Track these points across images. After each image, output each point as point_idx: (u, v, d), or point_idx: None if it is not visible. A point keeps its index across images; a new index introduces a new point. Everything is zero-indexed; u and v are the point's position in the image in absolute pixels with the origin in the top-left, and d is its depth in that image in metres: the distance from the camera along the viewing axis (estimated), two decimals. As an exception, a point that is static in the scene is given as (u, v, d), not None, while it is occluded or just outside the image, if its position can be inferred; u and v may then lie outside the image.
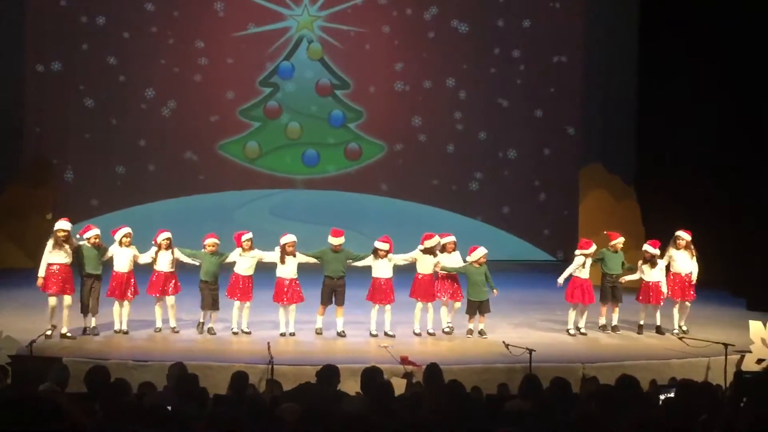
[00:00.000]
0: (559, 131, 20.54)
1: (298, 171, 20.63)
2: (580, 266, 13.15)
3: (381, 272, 12.76)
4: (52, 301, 12.15)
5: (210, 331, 12.70)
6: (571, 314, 13.23)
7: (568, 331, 13.20)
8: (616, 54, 19.18)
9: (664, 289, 13.29)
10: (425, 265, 12.92)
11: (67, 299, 12.23)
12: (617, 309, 13.44)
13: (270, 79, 20.41)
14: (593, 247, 13.21)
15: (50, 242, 12.24)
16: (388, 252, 12.71)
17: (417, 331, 12.92)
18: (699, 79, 16.97)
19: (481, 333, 12.83)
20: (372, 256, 12.79)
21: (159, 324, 12.75)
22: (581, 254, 13.14)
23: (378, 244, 12.77)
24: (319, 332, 12.80)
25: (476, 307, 12.83)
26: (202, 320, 12.77)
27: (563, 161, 20.25)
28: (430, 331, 13.00)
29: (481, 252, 12.84)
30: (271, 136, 20.50)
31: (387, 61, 20.48)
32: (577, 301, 13.14)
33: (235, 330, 12.69)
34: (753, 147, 16.24)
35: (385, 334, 12.72)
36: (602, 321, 13.45)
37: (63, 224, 12.38)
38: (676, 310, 13.34)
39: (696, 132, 17.15)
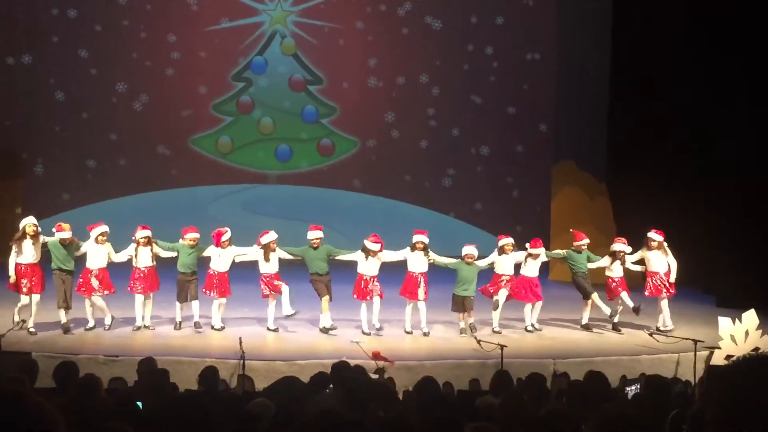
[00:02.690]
0: (532, 128, 20.59)
1: (270, 166, 20.57)
2: (522, 262, 13.29)
3: (369, 270, 12.72)
4: (25, 299, 12.05)
5: (196, 325, 12.65)
6: (527, 311, 13.32)
7: (525, 328, 13.29)
8: (589, 51, 19.26)
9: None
10: (416, 263, 12.89)
11: (36, 297, 12.11)
12: (587, 306, 13.51)
13: (243, 73, 20.33)
14: (540, 250, 13.36)
15: (17, 240, 12.12)
16: (378, 252, 12.68)
17: (408, 329, 12.89)
18: (672, 78, 17.09)
19: (472, 328, 12.73)
20: (363, 254, 12.72)
21: (139, 322, 12.62)
22: (529, 253, 13.29)
23: (370, 245, 12.66)
24: (333, 328, 12.60)
25: (461, 303, 12.85)
26: (179, 318, 12.71)
27: (536, 158, 20.31)
28: (425, 330, 12.91)
29: (468, 250, 12.97)
30: (244, 131, 20.42)
31: (360, 57, 20.45)
32: (524, 299, 13.28)
33: (216, 326, 12.65)
34: (723, 146, 16.39)
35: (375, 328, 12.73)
36: (606, 310, 13.38)
37: (32, 219, 12.27)
38: (665, 306, 13.36)
39: (668, 130, 17.26)
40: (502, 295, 13.01)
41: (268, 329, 12.71)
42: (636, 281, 14.55)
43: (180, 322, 12.73)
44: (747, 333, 11.98)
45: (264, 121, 20.47)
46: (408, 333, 12.83)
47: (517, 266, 13.32)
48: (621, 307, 13.37)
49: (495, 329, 13.00)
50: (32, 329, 12.04)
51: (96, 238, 12.39)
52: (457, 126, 20.68)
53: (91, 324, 12.45)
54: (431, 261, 12.82)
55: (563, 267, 14.40)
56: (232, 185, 20.43)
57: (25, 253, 12.07)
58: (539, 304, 13.33)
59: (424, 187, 20.64)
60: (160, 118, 19.97)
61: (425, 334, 12.78)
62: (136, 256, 12.54)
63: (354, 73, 20.50)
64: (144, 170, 19.97)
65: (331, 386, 8.15)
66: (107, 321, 12.47)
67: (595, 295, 13.33)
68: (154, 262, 12.64)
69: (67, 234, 12.26)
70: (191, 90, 20.09)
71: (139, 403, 6.22)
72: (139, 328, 12.54)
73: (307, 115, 20.50)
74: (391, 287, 12.97)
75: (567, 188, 18.70)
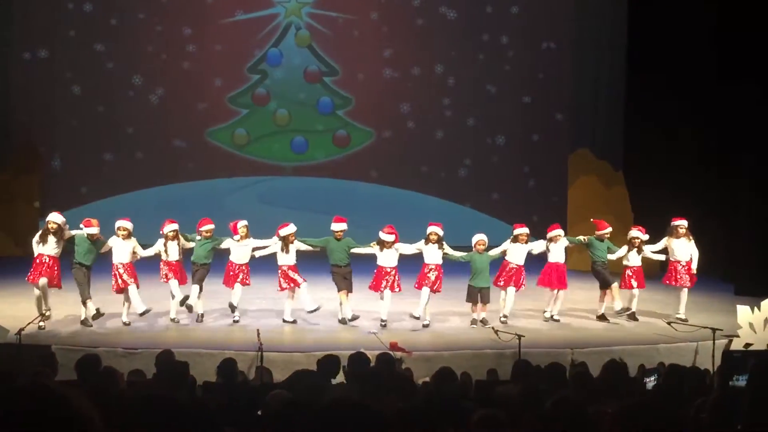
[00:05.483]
0: (548, 117, 20.54)
1: (286, 158, 20.60)
2: (546, 250, 13.25)
3: (387, 261, 12.70)
4: (37, 291, 12.01)
5: (189, 308, 12.57)
6: (550, 300, 13.30)
7: (543, 314, 13.31)
8: (605, 40, 19.19)
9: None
10: (431, 255, 12.83)
11: (45, 287, 12.03)
12: (606, 296, 13.43)
13: (258, 66, 20.36)
14: (559, 231, 13.33)
15: (41, 235, 12.16)
16: (393, 243, 12.67)
17: (426, 322, 12.79)
18: (688, 66, 16.99)
19: (483, 322, 12.72)
20: (377, 246, 12.71)
21: (173, 314, 12.66)
22: (549, 238, 13.25)
23: (383, 236, 12.64)
24: (355, 317, 12.64)
25: (477, 294, 12.81)
26: (191, 303, 12.66)
27: (552, 147, 20.25)
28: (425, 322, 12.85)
29: (478, 237, 12.91)
30: (260, 123, 20.46)
31: (375, 48, 20.44)
32: (549, 286, 13.23)
33: (236, 318, 12.65)
34: (741, 133, 16.29)
35: (381, 321, 12.68)
36: (618, 306, 13.32)
37: (55, 217, 12.28)
38: (683, 296, 13.32)
39: (685, 118, 17.17)
40: (510, 292, 13.00)
41: (284, 321, 12.68)
42: (654, 270, 14.50)
43: (190, 305, 12.65)
44: (766, 321, 11.93)
45: (279, 113, 20.49)
46: (426, 326, 12.77)
47: (529, 256, 13.25)
48: (633, 309, 13.37)
49: (502, 318, 12.91)
50: (42, 324, 11.80)
51: (117, 233, 12.40)
52: (472, 116, 20.65)
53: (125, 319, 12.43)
54: (445, 254, 12.78)
55: (581, 256, 14.35)
56: (248, 177, 20.48)
57: (47, 246, 12.11)
58: (563, 292, 13.26)
59: (440, 178, 20.63)
60: (176, 111, 20.03)
61: (424, 326, 12.68)
62: (165, 250, 12.55)
63: (369, 64, 20.48)
64: (160, 163, 20.05)
65: (347, 377, 8.17)
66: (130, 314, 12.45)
67: (615, 286, 13.27)
68: (182, 256, 12.69)
69: (95, 230, 12.26)
70: (207, 83, 20.14)
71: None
72: (173, 320, 12.54)
73: (322, 106, 20.51)
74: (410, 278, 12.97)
75: (583, 177, 18.63)
